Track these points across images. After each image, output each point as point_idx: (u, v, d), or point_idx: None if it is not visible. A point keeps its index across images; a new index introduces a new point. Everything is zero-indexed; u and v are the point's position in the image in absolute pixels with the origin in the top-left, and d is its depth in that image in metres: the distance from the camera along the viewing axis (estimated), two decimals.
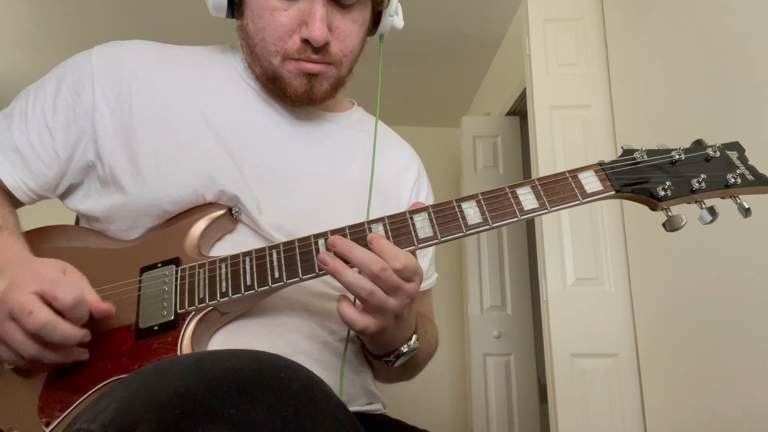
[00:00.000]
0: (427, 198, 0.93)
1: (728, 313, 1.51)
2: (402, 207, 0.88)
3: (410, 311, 0.67)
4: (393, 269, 0.60)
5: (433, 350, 0.87)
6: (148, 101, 0.75)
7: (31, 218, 0.78)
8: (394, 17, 0.83)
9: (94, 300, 0.62)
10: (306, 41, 0.72)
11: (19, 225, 0.73)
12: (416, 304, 0.88)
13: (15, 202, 0.77)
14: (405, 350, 0.71)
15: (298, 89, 0.75)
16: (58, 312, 0.59)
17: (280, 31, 0.72)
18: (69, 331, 0.60)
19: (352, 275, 0.61)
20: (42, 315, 0.58)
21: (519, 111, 3.15)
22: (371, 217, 0.73)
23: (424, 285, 0.90)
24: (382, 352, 0.73)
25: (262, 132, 0.79)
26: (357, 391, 0.76)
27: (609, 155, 2.21)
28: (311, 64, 0.74)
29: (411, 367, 0.82)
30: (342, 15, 0.74)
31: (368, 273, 0.60)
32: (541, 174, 2.22)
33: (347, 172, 0.82)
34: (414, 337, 0.72)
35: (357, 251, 0.61)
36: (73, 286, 0.60)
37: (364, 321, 0.63)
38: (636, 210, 1.96)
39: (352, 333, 0.76)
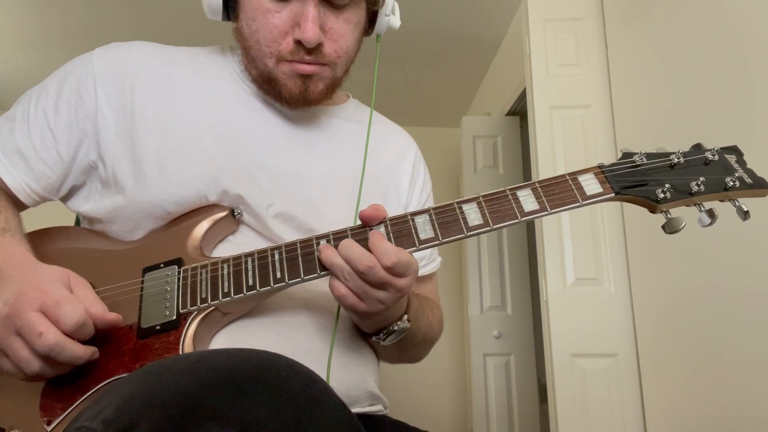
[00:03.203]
0: (423, 185, 0.94)
1: (728, 313, 1.51)
2: (402, 196, 0.89)
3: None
4: (383, 266, 0.61)
5: (435, 332, 0.88)
6: (149, 102, 0.76)
7: (32, 219, 0.78)
8: (391, 17, 0.83)
9: (100, 313, 0.62)
10: (299, 42, 0.72)
11: (22, 227, 0.73)
12: (418, 287, 0.89)
13: (18, 205, 0.77)
14: (395, 329, 0.72)
15: (293, 91, 0.75)
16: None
17: (273, 32, 0.73)
18: (78, 352, 0.60)
19: (330, 257, 0.63)
20: (51, 337, 0.57)
21: (519, 111, 3.15)
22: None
23: (428, 269, 0.91)
24: (373, 330, 0.74)
25: (262, 131, 0.79)
26: (359, 393, 0.76)
27: (609, 155, 2.22)
28: (305, 66, 0.74)
29: (409, 346, 0.83)
30: (335, 16, 0.74)
31: (355, 270, 0.62)
32: (541, 174, 2.24)
33: (347, 164, 0.83)
34: (405, 317, 0.73)
35: (353, 248, 0.62)
36: (75, 306, 0.60)
37: (352, 298, 0.64)
38: (636, 210, 1.96)
39: (346, 334, 0.77)
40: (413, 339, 0.80)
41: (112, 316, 0.63)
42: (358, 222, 0.67)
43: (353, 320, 0.76)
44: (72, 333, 0.59)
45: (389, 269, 0.61)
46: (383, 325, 0.73)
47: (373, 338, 0.75)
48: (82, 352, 0.60)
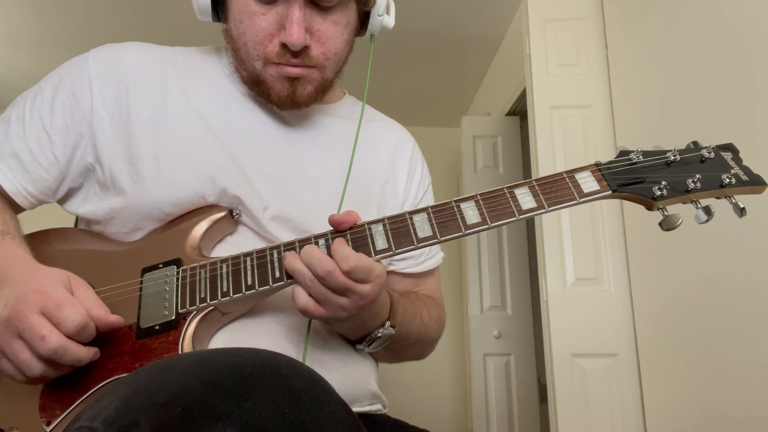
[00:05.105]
0: (421, 180, 0.93)
1: (728, 312, 1.51)
2: (400, 192, 0.88)
3: (372, 306, 0.67)
4: (342, 271, 0.61)
5: (432, 332, 0.86)
6: (146, 103, 0.76)
7: (31, 221, 0.78)
8: (384, 17, 0.81)
9: (101, 315, 0.62)
10: (285, 45, 0.72)
11: (20, 230, 0.73)
12: (419, 283, 0.88)
13: (15, 208, 0.77)
14: (378, 335, 0.72)
15: (281, 93, 0.75)
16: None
17: (259, 35, 0.72)
18: (81, 354, 0.60)
19: (292, 263, 0.63)
20: (54, 340, 0.58)
21: (519, 111, 3.16)
22: (365, 208, 0.73)
23: (428, 265, 0.90)
24: (354, 337, 0.74)
25: (258, 131, 0.79)
26: (359, 392, 0.76)
27: (609, 155, 2.19)
28: (291, 68, 0.73)
29: (402, 349, 0.82)
30: (322, 17, 0.73)
31: (315, 275, 0.61)
32: (541, 174, 2.23)
33: (341, 164, 0.83)
34: (387, 323, 0.72)
35: (314, 253, 0.62)
36: (77, 308, 0.60)
37: (316, 309, 0.63)
38: (636, 210, 1.96)
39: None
40: (404, 342, 0.79)
41: (114, 319, 0.63)
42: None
43: (327, 329, 0.75)
44: (74, 335, 0.59)
45: (348, 274, 0.61)
46: (365, 333, 0.73)
47: (357, 346, 0.75)
48: (85, 353, 0.61)
